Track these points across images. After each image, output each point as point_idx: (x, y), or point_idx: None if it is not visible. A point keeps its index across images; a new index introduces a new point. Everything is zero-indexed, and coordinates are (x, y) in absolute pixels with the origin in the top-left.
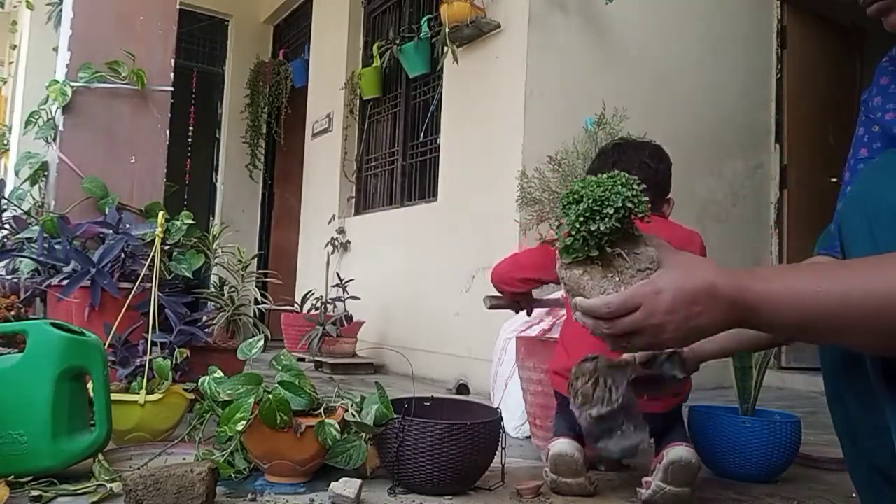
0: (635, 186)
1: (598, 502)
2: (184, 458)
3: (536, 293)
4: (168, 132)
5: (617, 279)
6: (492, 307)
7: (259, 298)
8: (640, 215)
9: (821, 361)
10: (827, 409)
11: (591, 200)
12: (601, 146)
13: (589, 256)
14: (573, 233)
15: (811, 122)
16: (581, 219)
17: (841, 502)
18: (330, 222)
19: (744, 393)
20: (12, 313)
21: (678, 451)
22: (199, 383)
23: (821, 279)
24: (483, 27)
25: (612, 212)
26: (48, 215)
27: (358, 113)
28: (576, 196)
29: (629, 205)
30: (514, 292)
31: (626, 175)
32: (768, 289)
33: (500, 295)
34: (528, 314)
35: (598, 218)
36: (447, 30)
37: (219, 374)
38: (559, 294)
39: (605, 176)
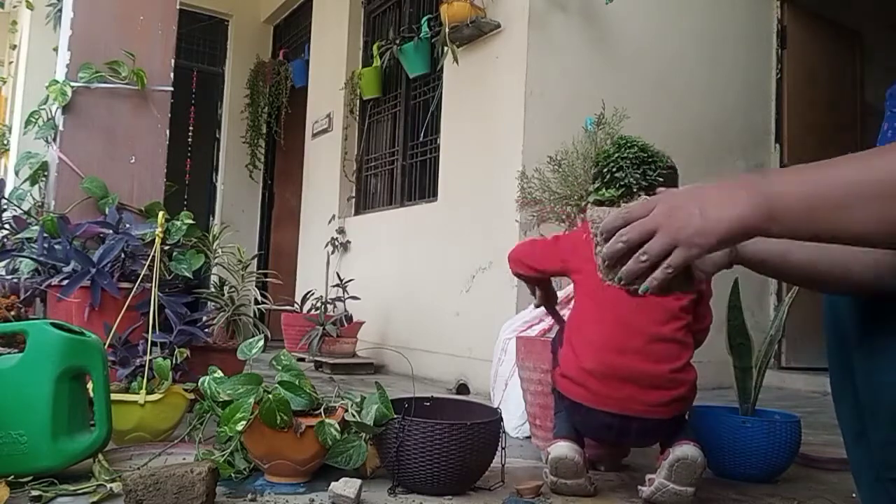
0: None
1: (598, 502)
2: (184, 458)
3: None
4: (168, 132)
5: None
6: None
7: (259, 298)
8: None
9: (825, 333)
10: (827, 410)
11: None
12: (603, 148)
13: (611, 199)
14: (602, 180)
15: (811, 122)
16: (612, 167)
17: (841, 502)
18: (330, 222)
19: (744, 393)
20: (12, 313)
21: (685, 449)
22: (199, 383)
23: (829, 164)
24: (483, 27)
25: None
26: (48, 215)
27: (358, 113)
28: (606, 152)
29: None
30: (524, 276)
31: (648, 145)
32: (784, 177)
33: None
34: (537, 305)
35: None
36: (447, 30)
37: (219, 374)
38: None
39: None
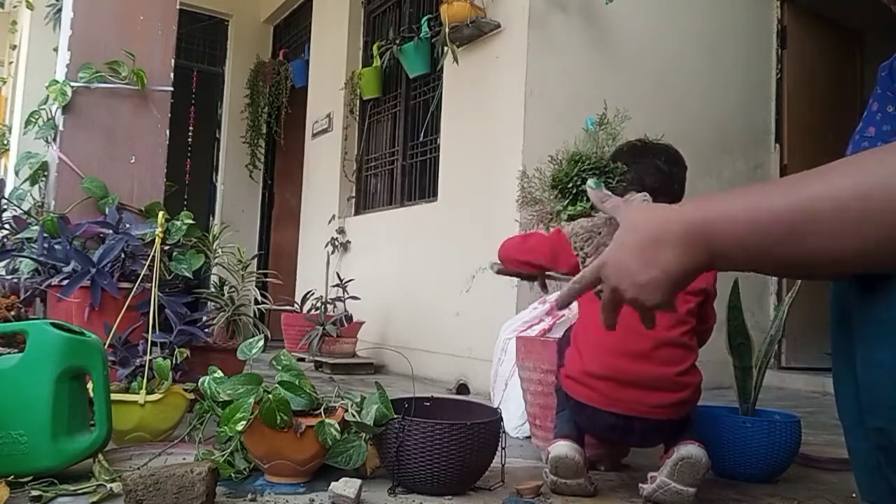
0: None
1: (598, 502)
2: (184, 458)
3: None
4: (168, 132)
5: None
6: (499, 272)
7: (259, 298)
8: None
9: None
10: (827, 410)
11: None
12: (619, 144)
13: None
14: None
15: (811, 122)
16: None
17: (841, 502)
18: (330, 222)
19: (744, 393)
20: (12, 313)
21: (689, 449)
22: (199, 383)
23: (769, 187)
24: (483, 27)
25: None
26: (48, 215)
27: (358, 113)
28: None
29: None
30: (516, 272)
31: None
32: (723, 205)
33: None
34: (543, 289)
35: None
36: (447, 30)
37: (219, 374)
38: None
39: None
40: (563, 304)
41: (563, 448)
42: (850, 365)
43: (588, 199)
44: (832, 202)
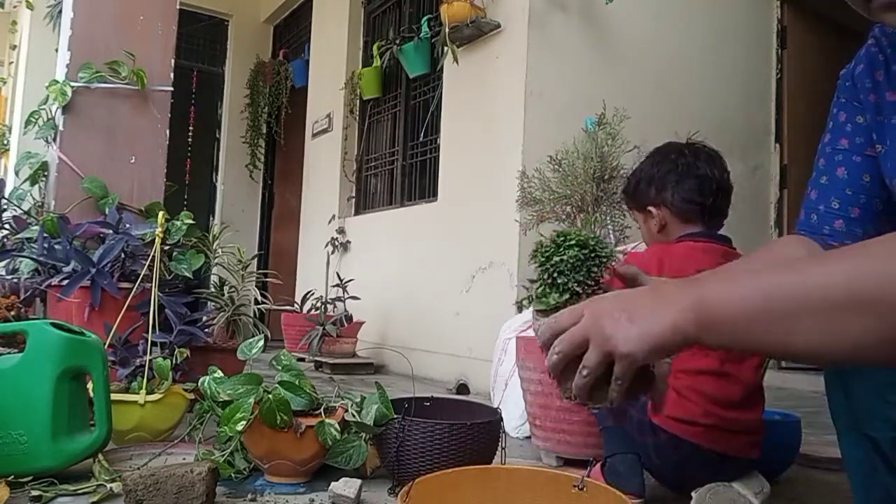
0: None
1: None
2: (184, 458)
3: None
4: (168, 132)
5: None
6: None
7: (259, 298)
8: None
9: None
10: (827, 410)
11: (557, 259)
12: (658, 147)
13: (556, 306)
14: (545, 284)
15: (811, 122)
16: (552, 271)
17: (841, 502)
18: (330, 222)
19: None
20: (12, 313)
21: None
22: (199, 383)
23: (768, 271)
24: (483, 27)
25: (571, 269)
26: (48, 215)
27: (358, 113)
28: (545, 253)
29: (590, 264)
30: None
31: (588, 237)
32: (719, 285)
33: None
34: None
35: (564, 272)
36: (447, 30)
37: (219, 374)
38: None
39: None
40: (540, 343)
41: None
42: (840, 374)
43: (563, 292)
44: (823, 297)
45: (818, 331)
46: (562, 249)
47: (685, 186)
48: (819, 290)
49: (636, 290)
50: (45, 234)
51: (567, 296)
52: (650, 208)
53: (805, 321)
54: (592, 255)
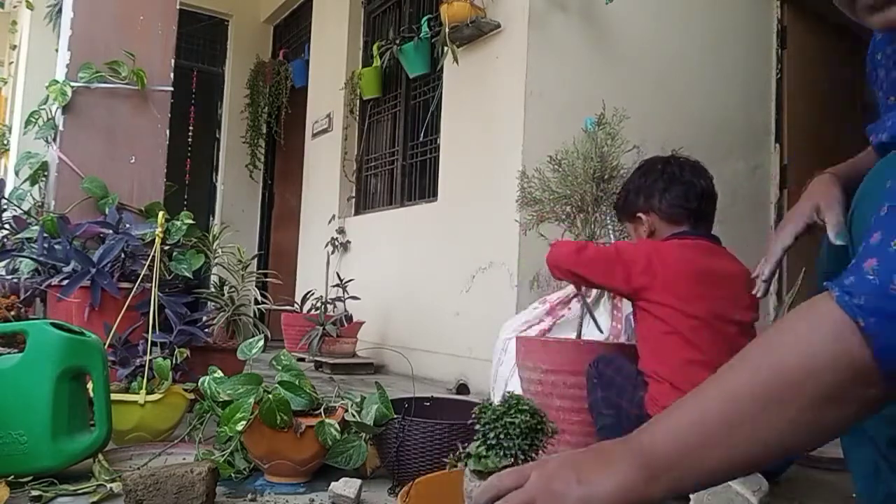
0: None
1: None
2: (184, 458)
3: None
4: (168, 132)
5: None
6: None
7: (259, 298)
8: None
9: None
10: None
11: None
12: (645, 160)
13: (493, 470)
14: (486, 444)
15: (811, 122)
16: (499, 433)
17: (841, 502)
18: (330, 222)
19: None
20: (12, 313)
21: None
22: (199, 383)
23: (691, 400)
24: (483, 27)
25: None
26: (48, 215)
27: (358, 113)
28: (495, 412)
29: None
30: (561, 279)
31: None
32: (651, 427)
33: None
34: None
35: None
36: (447, 30)
37: (219, 374)
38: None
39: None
40: (478, 501)
41: None
42: None
43: (504, 456)
44: (737, 410)
45: (750, 439)
46: (512, 412)
47: (672, 193)
48: (732, 404)
49: (580, 452)
50: (45, 234)
51: (509, 461)
52: (639, 215)
53: (736, 433)
54: (539, 425)
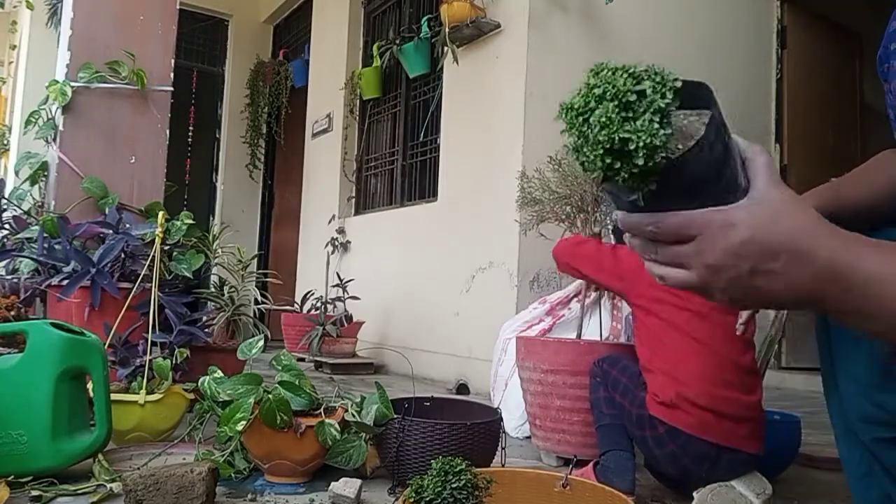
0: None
1: None
2: (184, 458)
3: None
4: (168, 132)
5: None
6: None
7: (259, 298)
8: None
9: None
10: (827, 410)
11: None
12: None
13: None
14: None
15: (811, 122)
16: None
17: (841, 502)
18: (330, 222)
19: None
20: (12, 313)
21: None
22: (199, 383)
23: None
24: (483, 27)
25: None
26: (48, 215)
27: (358, 113)
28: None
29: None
30: (563, 271)
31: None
32: (881, 268)
33: None
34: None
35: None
36: (447, 30)
37: (219, 374)
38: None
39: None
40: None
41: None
42: (834, 376)
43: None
44: None
45: None
46: (451, 477)
47: None
48: None
49: (771, 228)
50: (45, 234)
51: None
52: None
53: None
54: (475, 478)
